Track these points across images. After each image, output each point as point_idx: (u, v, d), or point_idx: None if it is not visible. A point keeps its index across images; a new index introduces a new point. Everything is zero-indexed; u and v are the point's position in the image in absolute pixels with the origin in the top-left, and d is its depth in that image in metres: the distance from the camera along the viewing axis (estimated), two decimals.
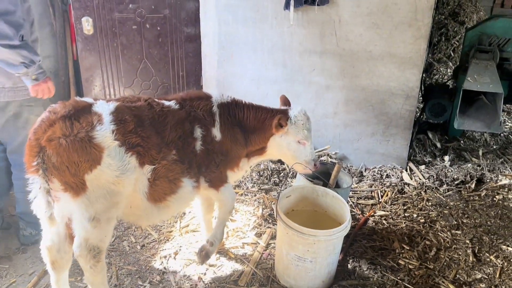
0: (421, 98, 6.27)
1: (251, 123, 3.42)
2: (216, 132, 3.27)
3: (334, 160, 5.27)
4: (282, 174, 5.07)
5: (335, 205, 3.62)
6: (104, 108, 2.73)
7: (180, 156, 3.02)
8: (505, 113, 7.30)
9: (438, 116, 5.93)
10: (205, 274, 3.59)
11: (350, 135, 5.39)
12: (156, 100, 3.14)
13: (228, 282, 3.49)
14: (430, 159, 5.55)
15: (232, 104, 3.44)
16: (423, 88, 6.20)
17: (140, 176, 2.82)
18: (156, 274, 3.57)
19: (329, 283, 3.50)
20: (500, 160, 5.58)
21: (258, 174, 5.01)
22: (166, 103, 3.14)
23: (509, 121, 6.97)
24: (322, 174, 4.16)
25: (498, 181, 5.04)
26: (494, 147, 6.00)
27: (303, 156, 3.50)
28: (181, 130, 3.06)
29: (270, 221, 4.28)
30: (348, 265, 3.72)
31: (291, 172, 5.03)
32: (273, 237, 4.04)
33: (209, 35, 5.55)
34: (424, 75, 6.24)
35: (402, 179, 5.04)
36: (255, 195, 4.67)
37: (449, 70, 9.00)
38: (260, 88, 5.55)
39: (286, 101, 3.68)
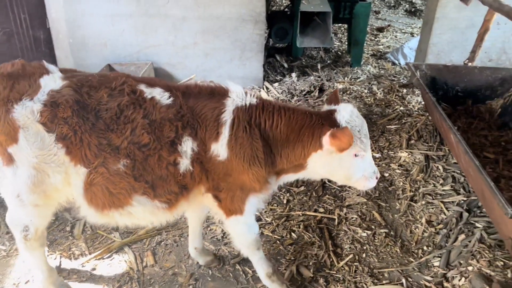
0: (266, 26, 6.95)
1: (282, 134, 2.49)
2: (220, 149, 2.39)
3: None
4: None
5: None
6: (50, 83, 2.30)
7: (137, 171, 2.33)
8: (333, 34, 8.53)
9: (282, 39, 6.69)
10: None
11: (211, 63, 5.79)
12: (142, 85, 2.40)
13: None
14: (281, 77, 6.36)
15: (258, 107, 2.50)
16: (266, 17, 6.85)
17: (74, 175, 2.37)
18: None
19: None
20: (334, 71, 6.69)
21: None
22: (153, 93, 2.38)
23: (337, 41, 8.20)
24: None
25: (334, 87, 6.10)
26: (329, 61, 7.11)
27: (361, 172, 2.53)
28: (150, 137, 2.30)
29: None
30: None
31: None
32: None
33: None
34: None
35: None
36: None
37: (284, 1, 9.92)
38: (115, 25, 5.47)
39: (334, 99, 2.64)
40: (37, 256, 2.75)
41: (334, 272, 3.22)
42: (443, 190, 3.95)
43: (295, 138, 2.49)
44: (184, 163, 2.36)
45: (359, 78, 6.49)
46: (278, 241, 3.47)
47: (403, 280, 3.13)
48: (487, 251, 3.24)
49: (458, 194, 3.87)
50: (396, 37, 8.56)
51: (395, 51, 7.34)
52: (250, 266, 3.24)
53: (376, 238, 3.55)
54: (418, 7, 10.27)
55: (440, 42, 5.69)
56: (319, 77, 6.37)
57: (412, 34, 8.62)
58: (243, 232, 2.71)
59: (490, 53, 5.76)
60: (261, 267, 2.91)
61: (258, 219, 3.70)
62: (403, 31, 8.90)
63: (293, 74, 6.36)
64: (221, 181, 2.47)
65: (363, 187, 2.60)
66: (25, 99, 2.23)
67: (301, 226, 3.62)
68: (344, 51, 7.55)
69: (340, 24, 8.47)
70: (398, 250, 3.41)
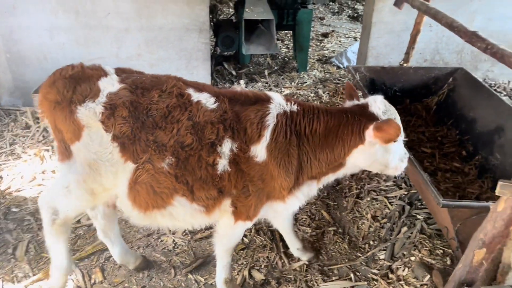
0: (212, 35, 6.99)
1: (321, 139, 2.56)
2: (259, 151, 2.48)
3: None
4: None
5: None
6: (108, 86, 2.44)
7: (178, 170, 2.43)
8: (280, 41, 8.70)
9: (229, 48, 6.75)
10: None
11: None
12: (190, 89, 2.52)
13: (73, 223, 3.62)
14: (230, 85, 6.41)
15: (299, 114, 2.57)
16: (212, 26, 6.89)
17: (121, 173, 2.46)
18: None
19: None
20: (282, 77, 6.83)
21: None
22: (200, 97, 2.49)
23: (284, 47, 8.37)
24: None
25: (282, 92, 6.22)
26: (276, 67, 7.24)
27: (397, 157, 2.65)
28: (193, 137, 2.41)
29: None
30: None
31: None
32: None
33: None
34: (211, 15, 6.92)
35: None
36: None
37: (230, 10, 10.01)
38: (55, 38, 5.31)
39: (352, 92, 2.77)
40: (61, 242, 2.78)
41: (286, 273, 3.27)
42: (386, 185, 4.12)
43: (334, 139, 2.56)
44: (222, 163, 2.45)
45: (306, 82, 6.65)
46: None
47: (351, 275, 3.23)
48: (427, 241, 3.41)
49: (400, 188, 4.05)
50: (340, 41, 8.85)
51: (339, 55, 7.59)
52: (202, 274, 3.25)
53: (325, 236, 3.65)
54: (360, 13, 10.68)
55: (378, 45, 5.96)
56: (267, 83, 6.48)
57: (355, 38, 8.95)
58: (236, 236, 2.84)
59: (425, 53, 6.10)
60: (224, 272, 2.98)
61: (210, 226, 3.70)
62: (346, 35, 9.23)
63: (242, 81, 6.43)
64: (252, 185, 2.53)
65: (397, 171, 2.70)
66: (88, 101, 2.39)
67: (253, 230, 3.65)
68: (290, 57, 7.72)
69: (286, 31, 8.64)
70: (346, 246, 3.52)
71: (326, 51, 8.23)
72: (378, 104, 2.56)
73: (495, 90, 6.22)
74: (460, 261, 2.42)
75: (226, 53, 7.23)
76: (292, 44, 7.81)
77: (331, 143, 2.56)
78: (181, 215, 2.57)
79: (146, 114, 2.41)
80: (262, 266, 3.33)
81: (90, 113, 2.38)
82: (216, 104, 2.48)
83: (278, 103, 2.57)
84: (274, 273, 3.28)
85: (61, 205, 2.64)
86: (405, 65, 4.94)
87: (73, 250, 3.42)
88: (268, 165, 2.49)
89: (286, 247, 3.50)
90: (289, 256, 3.43)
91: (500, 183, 2.04)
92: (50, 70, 5.52)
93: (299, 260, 3.38)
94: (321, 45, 8.59)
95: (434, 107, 4.74)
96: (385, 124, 2.39)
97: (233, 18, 7.62)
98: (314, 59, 7.73)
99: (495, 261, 2.45)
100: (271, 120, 2.48)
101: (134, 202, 2.52)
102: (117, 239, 3.12)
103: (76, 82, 2.43)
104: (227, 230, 2.76)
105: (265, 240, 3.56)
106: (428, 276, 3.03)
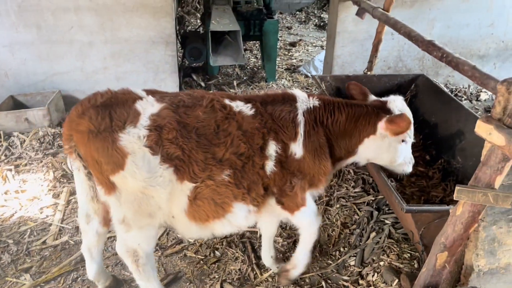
0: (180, 47, 6.97)
1: (341, 128, 2.80)
2: (297, 148, 2.66)
3: None
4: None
5: None
6: (147, 107, 2.34)
7: (237, 179, 2.51)
8: (248, 51, 8.76)
9: (197, 59, 6.74)
10: (8, 245, 3.49)
11: (124, 87, 5.66)
12: (227, 100, 2.58)
13: (39, 244, 3.52)
14: None
15: (321, 108, 2.79)
16: (179, 37, 6.88)
17: (178, 192, 2.45)
18: None
19: None
20: (250, 87, 6.87)
21: (39, 141, 4.85)
22: (239, 106, 2.58)
23: (253, 57, 8.43)
24: None
25: None
26: (245, 78, 7.28)
27: (403, 156, 2.92)
28: (246, 146, 2.50)
29: (65, 180, 4.32)
30: None
31: None
32: (72, 193, 4.13)
33: None
34: (178, 27, 6.91)
35: None
36: (41, 162, 4.56)
37: (198, 21, 10.01)
38: (16, 54, 5.18)
39: (362, 90, 3.05)
40: (153, 280, 2.76)
41: (258, 285, 3.27)
42: (355, 192, 4.19)
43: (353, 128, 2.80)
44: (270, 165, 2.58)
45: None
46: (201, 261, 3.46)
47: (323, 283, 3.26)
48: (395, 246, 3.49)
49: (368, 194, 4.13)
50: (307, 50, 8.99)
51: (307, 64, 7.71)
52: None
53: (296, 245, 3.66)
54: (326, 22, 10.89)
55: (343, 54, 6.09)
56: (236, 93, 6.50)
57: (322, 47, 9.10)
58: (312, 221, 2.89)
59: (388, 61, 6.28)
60: (304, 257, 3.04)
61: (180, 241, 3.66)
62: (313, 44, 9.38)
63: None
64: (293, 177, 2.67)
65: (402, 171, 3.03)
66: (128, 127, 2.27)
67: (224, 243, 3.64)
68: (259, 67, 7.78)
69: (253, 41, 8.72)
70: (317, 254, 3.55)
71: (294, 60, 8.34)
72: (396, 103, 2.84)
73: (456, 94, 6.45)
74: (424, 265, 2.49)
75: (194, 64, 7.22)
76: (260, 54, 7.88)
77: (350, 132, 2.81)
78: (238, 220, 2.65)
79: (196, 133, 2.39)
80: (235, 279, 3.32)
81: (133, 138, 2.27)
82: (253, 109, 2.58)
83: (302, 100, 2.77)
84: (247, 285, 3.27)
85: (132, 243, 2.57)
86: (369, 73, 5.06)
87: (38, 273, 3.32)
88: (305, 159, 2.66)
89: (258, 258, 3.50)
90: (261, 267, 3.43)
91: (457, 188, 2.11)
92: (11, 87, 5.42)
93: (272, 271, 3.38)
94: (289, 54, 8.70)
95: None
96: (398, 117, 2.66)
97: (200, 29, 7.63)
98: (282, 68, 7.82)
99: (458, 263, 2.53)
100: (301, 118, 2.68)
101: (193, 217, 2.55)
102: (98, 256, 3.00)
103: (110, 108, 2.30)
104: (300, 223, 2.90)
105: (236, 252, 3.55)
106: (397, 280, 3.09)
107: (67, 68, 5.39)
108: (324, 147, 2.74)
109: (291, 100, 2.75)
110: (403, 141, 2.82)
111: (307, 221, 2.88)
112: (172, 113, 2.38)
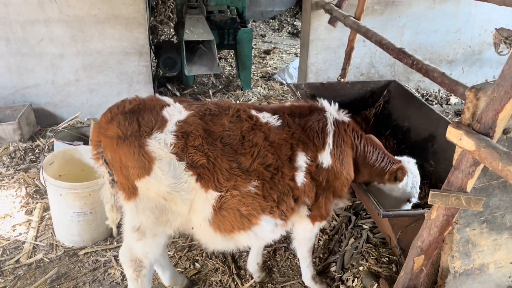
0: (154, 57, 6.92)
1: (371, 160, 2.94)
2: (325, 158, 2.69)
3: (88, 122, 5.40)
4: (37, 150, 4.91)
5: None
6: (174, 115, 2.37)
7: (265, 190, 2.49)
8: (223, 59, 8.77)
9: (171, 69, 6.72)
10: None
11: (98, 99, 5.59)
12: (253, 111, 2.60)
13: (12, 263, 3.40)
14: None
15: (350, 124, 2.90)
16: (153, 47, 6.83)
17: (202, 200, 2.43)
18: None
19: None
20: (226, 95, 6.88)
21: (10, 156, 4.71)
22: (265, 117, 2.60)
23: (227, 65, 8.45)
24: (81, 138, 4.33)
25: None
26: (220, 86, 7.28)
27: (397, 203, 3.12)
28: (274, 157, 2.51)
29: (38, 196, 4.21)
30: None
31: (46, 146, 4.92)
32: (46, 209, 4.02)
33: None
34: (151, 36, 6.87)
35: None
36: (13, 178, 4.43)
37: (172, 30, 9.97)
38: None
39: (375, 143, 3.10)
40: None
41: None
42: None
43: (375, 167, 2.96)
44: (300, 176, 2.58)
45: (251, 100, 6.74)
46: (182, 274, 3.42)
47: None
48: (373, 250, 3.53)
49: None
50: (282, 58, 9.06)
51: (282, 71, 7.78)
52: None
53: (276, 253, 3.67)
54: (299, 29, 11.02)
55: (317, 62, 6.17)
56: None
57: (296, 54, 9.20)
58: (314, 236, 3.02)
59: (361, 68, 6.40)
60: (309, 270, 3.21)
61: None
62: (288, 52, 9.47)
63: None
64: (320, 188, 2.70)
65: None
66: (156, 132, 2.30)
67: (204, 254, 3.61)
68: (234, 75, 7.80)
69: (228, 50, 8.74)
70: (297, 262, 3.56)
71: (269, 68, 8.39)
72: (411, 166, 3.05)
73: (427, 99, 6.63)
74: (402, 269, 2.53)
75: (168, 74, 7.18)
76: (235, 63, 7.90)
77: (371, 168, 2.96)
78: (265, 233, 2.62)
79: (221, 142, 2.40)
80: None
81: (160, 144, 2.30)
82: (280, 121, 2.61)
83: (331, 111, 2.84)
84: None
85: (140, 252, 2.56)
86: (342, 80, 5.14)
87: None
88: (333, 168, 2.70)
89: (238, 268, 3.49)
90: (242, 277, 3.42)
91: (431, 192, 2.16)
92: None
93: (252, 278, 3.37)
94: (263, 62, 8.76)
95: (372, 119, 4.96)
96: (394, 167, 2.93)
97: (174, 39, 7.60)
98: (257, 76, 7.85)
99: (435, 266, 2.59)
100: (330, 128, 2.73)
101: (218, 228, 2.52)
102: (164, 262, 3.08)
103: (137, 115, 2.33)
104: (307, 233, 2.94)
105: (217, 263, 3.52)
106: (376, 285, 3.12)
107: (38, 81, 5.27)
108: (349, 157, 2.81)
109: (319, 110, 2.81)
110: (408, 200, 3.01)
111: (313, 234, 2.98)
112: (198, 120, 2.40)
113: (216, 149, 2.38)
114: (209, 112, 2.48)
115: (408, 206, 3.04)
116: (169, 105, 2.44)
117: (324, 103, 2.88)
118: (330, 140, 2.70)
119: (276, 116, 2.63)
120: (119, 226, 2.69)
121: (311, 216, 2.80)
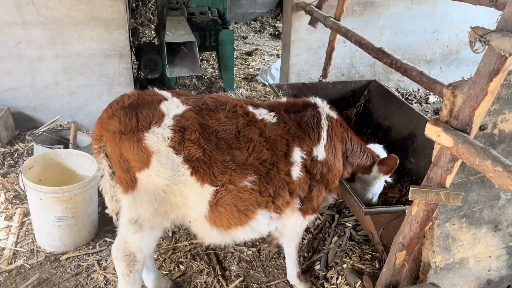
0: (135, 59, 6.86)
1: (356, 152, 3.07)
2: (320, 151, 2.80)
3: (68, 125, 5.32)
4: (16, 154, 4.81)
5: (82, 162, 3.84)
6: (172, 109, 2.43)
7: (262, 185, 2.57)
8: (205, 61, 8.76)
9: (152, 71, 6.67)
10: None
11: (78, 101, 5.51)
12: (250, 107, 2.67)
13: None
14: None
15: (339, 119, 3.06)
16: (134, 49, 6.77)
17: (198, 195, 2.50)
18: None
19: (95, 232, 3.79)
20: None
21: None
22: (261, 113, 2.68)
23: (210, 67, 8.44)
24: (61, 141, 4.26)
25: None
26: (203, 88, 7.27)
27: (375, 192, 3.31)
28: (269, 152, 2.58)
29: (17, 201, 4.12)
30: None
31: (25, 151, 4.83)
32: (26, 214, 3.95)
33: None
34: (132, 38, 6.81)
35: None
36: None
37: (153, 32, 9.90)
38: None
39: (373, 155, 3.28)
40: None
41: None
42: None
43: (361, 159, 3.11)
44: (296, 170, 2.67)
45: None
46: (166, 276, 3.39)
47: None
48: (357, 247, 3.58)
49: None
50: (264, 59, 9.10)
51: (264, 72, 7.80)
52: None
53: (261, 253, 3.68)
54: (281, 31, 11.08)
55: (298, 62, 6.21)
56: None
57: (277, 55, 9.24)
58: (302, 231, 3.09)
59: (342, 68, 6.47)
60: (295, 268, 3.24)
61: None
62: (269, 53, 9.51)
63: None
64: (313, 181, 2.78)
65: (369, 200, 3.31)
66: (153, 127, 2.37)
67: (189, 256, 3.60)
68: (216, 77, 7.79)
69: (210, 52, 8.73)
70: (282, 261, 3.57)
71: (251, 69, 8.41)
72: (378, 150, 3.31)
73: (406, 98, 6.74)
74: (384, 265, 2.57)
75: (150, 76, 7.13)
76: (217, 64, 7.89)
77: (358, 160, 3.11)
78: (261, 226, 2.70)
79: (216, 136, 2.48)
80: None
81: (158, 138, 2.37)
82: (276, 117, 2.69)
83: (323, 106, 2.95)
84: None
85: (135, 245, 2.59)
86: (324, 80, 5.19)
87: None
88: (327, 161, 2.81)
89: (223, 269, 3.49)
90: (227, 278, 3.41)
91: (411, 188, 2.20)
92: None
93: (237, 278, 3.37)
94: (245, 63, 8.77)
95: (353, 118, 5.02)
96: (388, 159, 3.10)
97: (155, 41, 7.55)
98: (240, 77, 7.87)
99: (416, 261, 2.64)
100: (324, 122, 2.84)
101: (214, 223, 2.58)
102: (149, 263, 3.07)
103: (136, 109, 2.41)
104: (297, 227, 3.00)
105: (201, 265, 3.52)
106: (360, 281, 3.16)
107: (16, 84, 5.17)
108: (340, 150, 2.94)
109: (312, 106, 2.92)
110: (385, 182, 3.21)
111: (302, 228, 3.05)
112: (195, 114, 2.47)
113: (211, 143, 2.46)
114: (206, 107, 2.54)
115: (380, 186, 3.27)
116: (166, 100, 2.49)
117: (316, 99, 2.99)
118: (324, 134, 2.81)
119: (272, 113, 2.72)
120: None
121: (303, 209, 2.87)
